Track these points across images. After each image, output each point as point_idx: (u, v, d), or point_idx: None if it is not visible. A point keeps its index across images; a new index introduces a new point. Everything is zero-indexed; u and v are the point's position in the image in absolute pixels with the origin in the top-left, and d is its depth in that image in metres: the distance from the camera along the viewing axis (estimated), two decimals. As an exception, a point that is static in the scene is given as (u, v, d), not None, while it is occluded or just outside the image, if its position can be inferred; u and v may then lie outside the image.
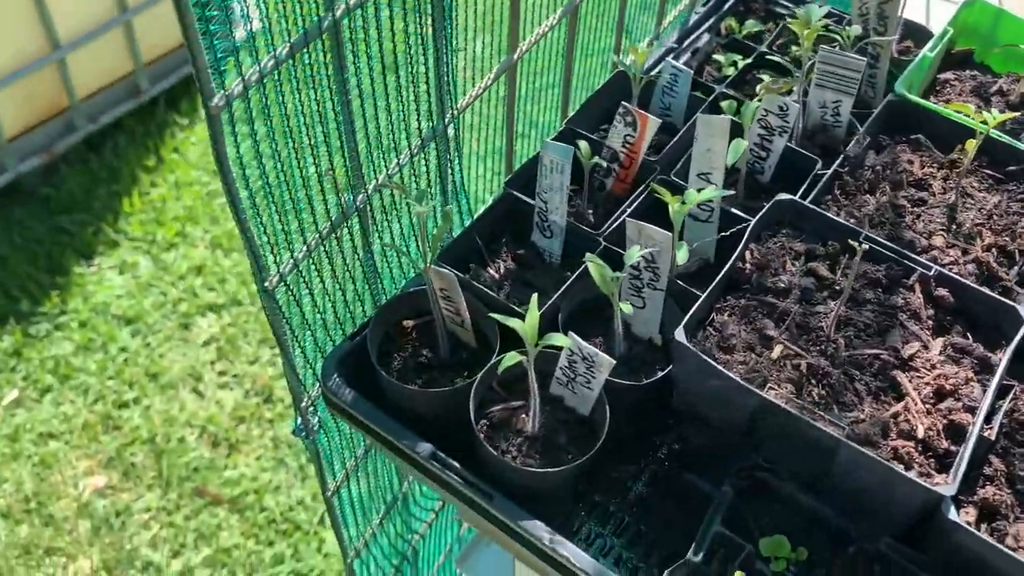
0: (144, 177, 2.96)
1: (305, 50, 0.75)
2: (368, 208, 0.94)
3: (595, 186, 1.13)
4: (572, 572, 0.86)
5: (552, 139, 1.11)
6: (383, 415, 0.94)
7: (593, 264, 0.89)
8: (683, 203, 0.95)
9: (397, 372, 0.97)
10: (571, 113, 1.19)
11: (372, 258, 1.00)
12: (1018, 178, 1.09)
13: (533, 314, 0.83)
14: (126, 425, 2.43)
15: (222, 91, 0.69)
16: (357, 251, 0.96)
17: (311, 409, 1.05)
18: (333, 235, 0.91)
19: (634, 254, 0.89)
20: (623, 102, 1.05)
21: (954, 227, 1.02)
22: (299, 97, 0.78)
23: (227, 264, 2.79)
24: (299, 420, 1.05)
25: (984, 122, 1.00)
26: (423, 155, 0.98)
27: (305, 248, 0.89)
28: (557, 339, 0.81)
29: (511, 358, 0.81)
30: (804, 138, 1.19)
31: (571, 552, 0.85)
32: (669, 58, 1.21)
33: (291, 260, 0.88)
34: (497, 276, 1.02)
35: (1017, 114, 1.10)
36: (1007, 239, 1.00)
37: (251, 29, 0.70)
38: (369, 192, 0.93)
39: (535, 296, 0.84)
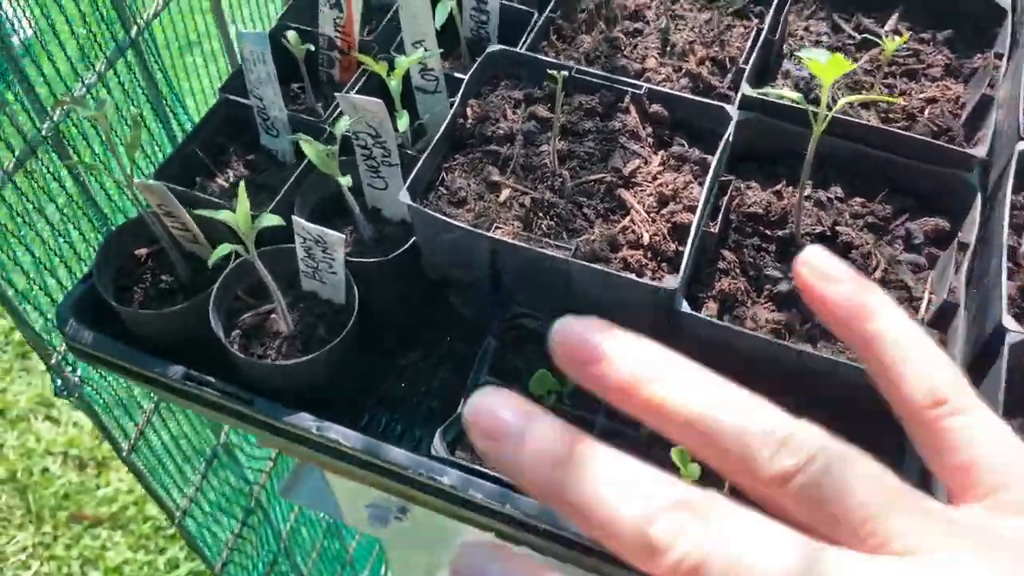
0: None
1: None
2: (60, 136, 0.88)
3: (323, 80, 1.10)
4: (345, 454, 0.85)
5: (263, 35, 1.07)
6: (128, 349, 0.89)
7: (306, 144, 0.86)
8: (394, 71, 0.94)
9: (139, 304, 0.93)
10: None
11: (87, 192, 0.94)
12: (726, -7, 1.12)
13: (243, 203, 0.80)
14: (-19, 469, 2.28)
15: None
16: (64, 186, 0.90)
17: (66, 364, 0.99)
18: (23, 172, 0.85)
19: (342, 126, 0.87)
20: (321, -17, 1.01)
21: (668, 49, 1.04)
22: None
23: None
24: (57, 381, 0.99)
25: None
26: (114, 73, 0.92)
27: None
28: (267, 219, 0.79)
29: (221, 250, 0.78)
30: (528, -5, 1.19)
31: (340, 433, 0.84)
32: (376, -62, 1.17)
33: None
34: (227, 185, 0.98)
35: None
36: (717, 50, 1.03)
37: None
38: (56, 119, 0.87)
39: (242, 184, 0.81)
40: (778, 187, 0.93)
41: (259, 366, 0.85)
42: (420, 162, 0.88)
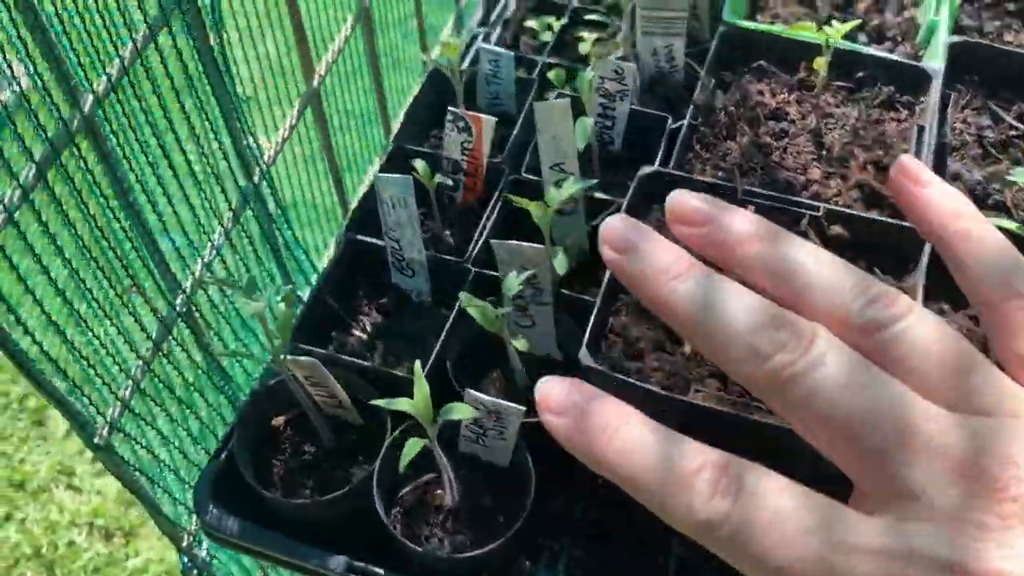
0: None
1: (58, 163, 0.59)
2: (193, 310, 0.79)
3: (445, 202, 1.01)
4: (539, 651, 0.76)
5: (383, 164, 0.99)
6: (280, 538, 0.80)
7: (473, 308, 0.78)
8: (547, 207, 0.85)
9: (282, 480, 0.84)
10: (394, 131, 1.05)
11: (217, 364, 0.85)
12: (869, 83, 1.04)
13: (422, 388, 0.71)
14: (3, 546, 2.17)
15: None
16: (195, 361, 0.81)
17: (196, 543, 0.90)
18: (159, 356, 0.76)
19: (513, 284, 0.79)
20: (450, 107, 0.93)
21: (824, 152, 0.96)
22: (66, 218, 0.62)
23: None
24: (185, 559, 0.90)
25: (827, 36, 0.94)
26: (239, 228, 0.83)
27: (131, 383, 0.73)
28: (458, 411, 0.70)
29: (412, 448, 0.69)
30: (643, 92, 1.11)
31: (535, 631, 0.76)
32: (480, 42, 1.09)
33: (118, 402, 0.72)
34: (365, 337, 0.89)
35: (858, 22, 1.05)
36: (880, 153, 0.95)
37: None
38: (188, 293, 0.78)
39: (418, 365, 0.72)
40: (973, 312, 0.86)
41: (437, 557, 0.76)
42: (594, 314, 0.79)
